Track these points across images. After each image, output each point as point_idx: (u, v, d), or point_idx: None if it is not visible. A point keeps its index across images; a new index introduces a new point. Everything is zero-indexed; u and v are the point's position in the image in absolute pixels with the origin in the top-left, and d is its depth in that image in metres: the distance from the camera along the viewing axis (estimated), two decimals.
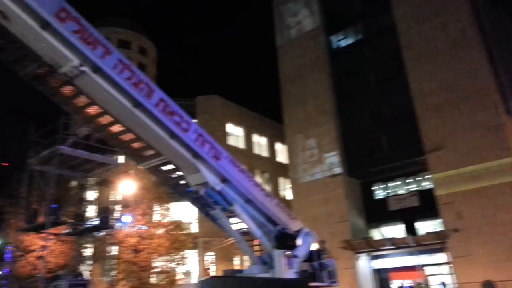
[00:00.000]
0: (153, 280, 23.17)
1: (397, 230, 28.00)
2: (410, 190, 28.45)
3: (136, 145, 11.17)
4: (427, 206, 26.08)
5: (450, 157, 25.02)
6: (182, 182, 12.08)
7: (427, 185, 27.24)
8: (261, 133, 40.70)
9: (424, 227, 26.98)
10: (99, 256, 23.85)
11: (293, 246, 12.36)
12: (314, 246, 13.28)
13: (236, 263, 31.89)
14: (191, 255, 29.45)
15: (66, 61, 8.55)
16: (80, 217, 17.02)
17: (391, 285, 27.03)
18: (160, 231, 23.57)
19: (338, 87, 32.29)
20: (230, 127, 37.57)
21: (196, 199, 12.52)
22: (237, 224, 12.71)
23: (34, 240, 20.66)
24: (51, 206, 14.40)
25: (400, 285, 25.56)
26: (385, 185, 29.81)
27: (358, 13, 32.48)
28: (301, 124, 33.19)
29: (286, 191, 39.14)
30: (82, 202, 20.18)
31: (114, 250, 23.37)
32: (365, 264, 27.84)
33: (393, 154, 28.07)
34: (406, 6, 29.34)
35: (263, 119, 41.71)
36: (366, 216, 29.91)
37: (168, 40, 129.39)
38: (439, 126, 25.95)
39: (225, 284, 8.63)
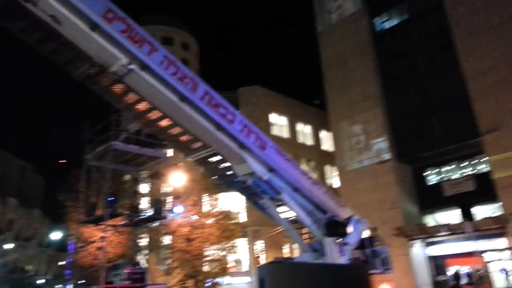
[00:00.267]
0: (205, 268, 23.88)
1: (452, 216, 26.93)
2: (465, 174, 27.22)
3: (184, 138, 11.48)
4: (484, 190, 24.89)
5: (507, 138, 23.61)
6: (230, 172, 12.28)
7: (483, 168, 25.92)
8: (305, 122, 40.32)
9: (481, 211, 25.77)
10: (154, 246, 24.89)
11: (343, 234, 12.25)
12: (366, 234, 13.07)
13: (286, 251, 32.07)
14: (241, 243, 29.95)
15: (115, 60, 8.91)
16: (135, 209, 17.72)
17: (447, 272, 26.10)
18: (210, 221, 24.20)
19: (383, 71, 31.23)
20: (273, 117, 37.54)
21: (244, 189, 12.70)
22: (285, 212, 12.77)
23: (93, 232, 21.90)
24: (108, 199, 15.12)
25: (455, 271, 24.60)
26: (438, 170, 28.68)
27: None
28: (346, 111, 32.53)
29: (333, 179, 38.66)
30: (136, 195, 21.02)
31: (167, 239, 24.32)
32: (419, 251, 27.07)
33: (445, 137, 26.88)
34: None
35: (307, 107, 41.28)
36: (418, 202, 28.98)
37: (208, 33, 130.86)
38: (494, 106, 24.50)
39: (284, 270, 8.70)
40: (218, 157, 12.00)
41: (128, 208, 17.80)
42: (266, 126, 35.33)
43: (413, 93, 29.57)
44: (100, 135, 15.89)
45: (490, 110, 24.68)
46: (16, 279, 44.34)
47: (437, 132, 27.66)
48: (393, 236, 25.90)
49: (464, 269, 24.97)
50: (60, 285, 43.97)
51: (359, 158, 31.10)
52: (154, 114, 10.78)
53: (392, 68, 30.90)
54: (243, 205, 30.94)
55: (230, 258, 26.58)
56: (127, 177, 25.05)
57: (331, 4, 35.93)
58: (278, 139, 33.82)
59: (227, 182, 13.22)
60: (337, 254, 11.43)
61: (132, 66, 9.01)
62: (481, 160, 25.98)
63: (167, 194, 24.54)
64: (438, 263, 26.73)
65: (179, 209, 21.56)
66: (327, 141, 40.45)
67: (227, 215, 25.17)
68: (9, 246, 43.93)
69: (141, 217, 17.53)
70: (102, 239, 18.30)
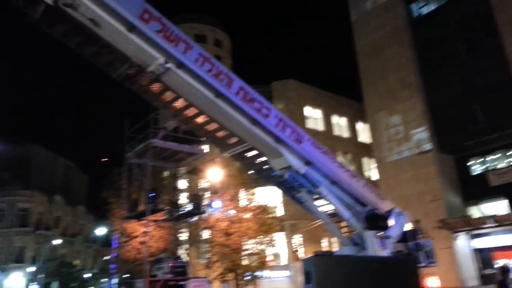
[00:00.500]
0: (244, 262, 24.13)
1: (499, 207, 25.75)
2: None
3: (220, 134, 11.63)
4: None
5: None
6: (266, 167, 12.32)
7: None
8: (341, 114, 39.68)
9: None
10: (194, 240, 25.39)
11: (385, 227, 12.00)
12: (408, 226, 12.74)
13: (324, 245, 31.84)
14: (279, 238, 30.02)
15: (153, 60, 9.14)
16: (175, 204, 18.13)
17: (494, 266, 25.04)
18: (248, 215, 24.39)
19: (422, 58, 30.17)
20: (308, 110, 37.19)
21: (281, 183, 12.70)
22: (324, 206, 12.66)
23: (136, 227, 22.61)
24: (149, 195, 15.55)
25: (503, 265, 23.53)
26: (482, 159, 27.48)
27: None
28: (383, 101, 31.73)
29: (371, 171, 37.89)
30: (175, 190, 21.54)
31: (206, 234, 24.75)
32: (464, 243, 26.12)
33: (490, 125, 25.68)
34: None
35: (342, 99, 40.58)
36: (462, 193, 27.93)
37: (240, 28, 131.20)
38: None
39: (330, 262, 8.68)
40: (254, 152, 12.07)
41: (168, 204, 18.25)
42: (301, 119, 35.08)
43: (454, 80, 28.40)
44: (140, 133, 16.34)
45: None
46: (65, 273, 46.57)
47: (480, 120, 26.46)
48: (436, 228, 25.11)
49: None
50: (106, 279, 45.81)
51: (398, 149, 30.30)
52: (190, 111, 10.98)
53: (431, 55, 29.79)
54: (280, 199, 30.96)
55: (269, 252, 26.71)
56: (166, 173, 25.67)
57: None
58: (313, 132, 33.50)
59: (264, 177, 13.27)
60: (379, 248, 11.22)
61: (168, 65, 9.20)
62: None
63: (205, 190, 24.97)
64: (484, 256, 25.70)
65: (217, 204, 21.86)
66: (364, 133, 39.67)
67: (264, 209, 25.28)
68: (57, 242, 46.17)
69: (180, 212, 17.91)
70: (144, 234, 18.87)
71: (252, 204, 25.08)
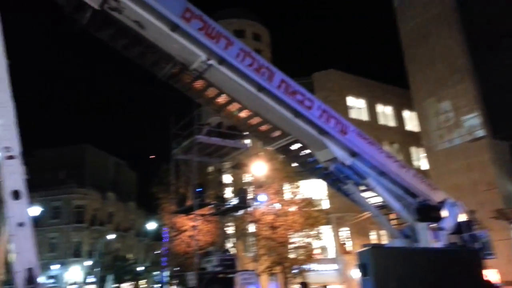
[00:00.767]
0: (291, 255, 24.16)
1: None
2: None
3: (263, 127, 11.65)
4: None
5: None
6: (311, 159, 12.20)
7: None
8: (386, 102, 38.48)
9: None
10: (241, 234, 25.71)
11: (437, 218, 11.54)
12: (462, 217, 12.18)
13: (373, 238, 31.19)
14: (326, 231, 29.75)
15: (195, 58, 9.30)
16: (221, 199, 18.46)
17: None
18: (293, 208, 24.36)
19: (472, 41, 28.63)
20: (351, 100, 36.40)
21: (326, 175, 12.54)
22: (372, 198, 12.38)
23: (184, 221, 23.21)
24: (196, 190, 15.92)
25: None
26: None
27: None
28: (431, 87, 30.45)
29: (420, 161, 36.55)
30: (221, 185, 21.88)
31: (252, 227, 24.99)
32: None
33: None
34: None
35: (386, 87, 39.28)
36: None
37: (278, 21, 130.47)
38: None
39: (387, 254, 8.53)
40: (299, 145, 11.99)
41: (215, 198, 18.60)
42: (344, 110, 34.37)
43: (508, 62, 26.72)
44: (185, 130, 16.73)
45: None
46: (119, 266, 48.83)
47: None
48: (492, 219, 23.89)
49: None
50: (158, 272, 47.50)
51: (449, 137, 29.03)
52: (233, 106, 11.08)
53: (482, 37, 28.19)
54: (325, 192, 30.64)
55: (316, 245, 26.56)
56: (211, 168, 26.13)
57: None
58: (356, 123, 32.68)
59: (309, 169, 13.16)
60: (431, 240, 10.82)
61: (211, 62, 9.32)
62: None
63: (250, 184, 25.18)
64: None
65: (262, 197, 21.97)
66: (411, 121, 38.27)
67: (309, 202, 25.13)
68: (111, 236, 48.44)
69: (227, 206, 18.20)
70: (193, 228, 19.33)
71: (297, 197, 25.02)
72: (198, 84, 10.36)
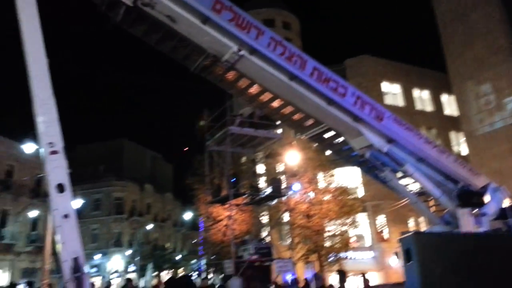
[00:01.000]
0: (327, 243, 24.08)
1: None
2: None
3: (296, 116, 11.57)
4: None
5: None
6: (346, 147, 12.02)
7: None
8: (422, 87, 37.22)
9: None
10: (275, 222, 25.86)
11: (480, 204, 11.14)
12: (506, 202, 11.71)
13: (411, 225, 30.54)
14: (362, 219, 29.39)
15: (227, 49, 9.32)
16: (255, 188, 18.67)
17: None
18: (328, 197, 24.19)
19: None
20: (385, 86, 35.45)
21: (362, 163, 12.34)
22: (410, 184, 12.09)
23: (220, 211, 23.60)
24: (231, 180, 16.14)
25: None
26: None
27: None
28: (470, 69, 29.13)
29: (460, 146, 35.26)
30: (255, 175, 22.01)
31: (287, 216, 25.07)
32: None
33: None
34: None
35: (422, 70, 37.94)
36: None
37: (308, 8, 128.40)
38: None
39: (432, 240, 8.41)
40: (332, 133, 11.83)
41: (249, 188, 18.79)
42: (378, 96, 33.53)
43: None
44: (218, 121, 16.93)
45: None
46: (158, 255, 50.47)
47: None
48: None
49: None
50: (195, 260, 48.66)
51: (490, 120, 27.76)
52: (266, 96, 11.05)
53: None
54: (360, 179, 30.20)
55: (352, 233, 26.32)
56: (245, 159, 26.32)
57: None
58: (392, 109, 31.76)
59: (344, 157, 12.99)
60: (474, 226, 10.48)
61: (242, 52, 9.32)
62: None
63: (283, 173, 25.19)
64: None
65: (296, 186, 21.96)
66: (449, 105, 36.88)
67: (344, 190, 24.88)
68: (149, 227, 49.96)
69: (261, 196, 18.36)
70: (228, 217, 19.64)
71: (331, 186, 24.82)
72: (230, 75, 10.40)
